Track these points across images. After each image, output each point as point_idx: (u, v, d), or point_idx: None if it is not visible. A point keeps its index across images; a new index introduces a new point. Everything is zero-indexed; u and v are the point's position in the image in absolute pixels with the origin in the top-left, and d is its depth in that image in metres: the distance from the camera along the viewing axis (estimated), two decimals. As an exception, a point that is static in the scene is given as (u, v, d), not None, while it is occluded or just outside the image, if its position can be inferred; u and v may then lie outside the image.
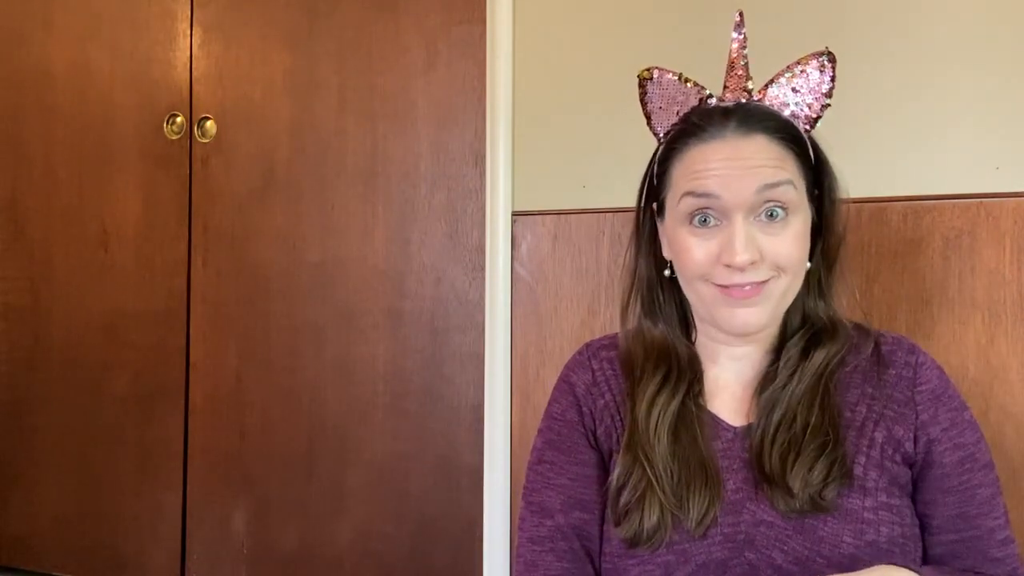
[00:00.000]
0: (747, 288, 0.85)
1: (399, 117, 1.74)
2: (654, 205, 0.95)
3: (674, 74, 0.93)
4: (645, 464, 0.87)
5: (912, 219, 1.28)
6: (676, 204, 0.89)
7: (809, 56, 0.91)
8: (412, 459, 1.72)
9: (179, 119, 1.91)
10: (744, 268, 0.84)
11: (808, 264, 0.90)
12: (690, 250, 0.87)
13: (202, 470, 1.89)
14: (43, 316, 2.03)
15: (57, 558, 2.01)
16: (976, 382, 1.24)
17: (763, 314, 0.86)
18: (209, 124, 1.88)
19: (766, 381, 0.90)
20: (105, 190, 1.98)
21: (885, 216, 1.29)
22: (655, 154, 0.94)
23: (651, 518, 0.84)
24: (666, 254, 0.94)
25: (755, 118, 0.88)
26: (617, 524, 0.88)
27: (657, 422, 0.89)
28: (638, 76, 0.94)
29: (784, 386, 0.88)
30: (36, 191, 2.04)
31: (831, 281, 0.93)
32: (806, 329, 0.91)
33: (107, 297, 1.97)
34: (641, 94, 0.95)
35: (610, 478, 0.91)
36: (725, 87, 0.92)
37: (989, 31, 1.26)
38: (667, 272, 0.94)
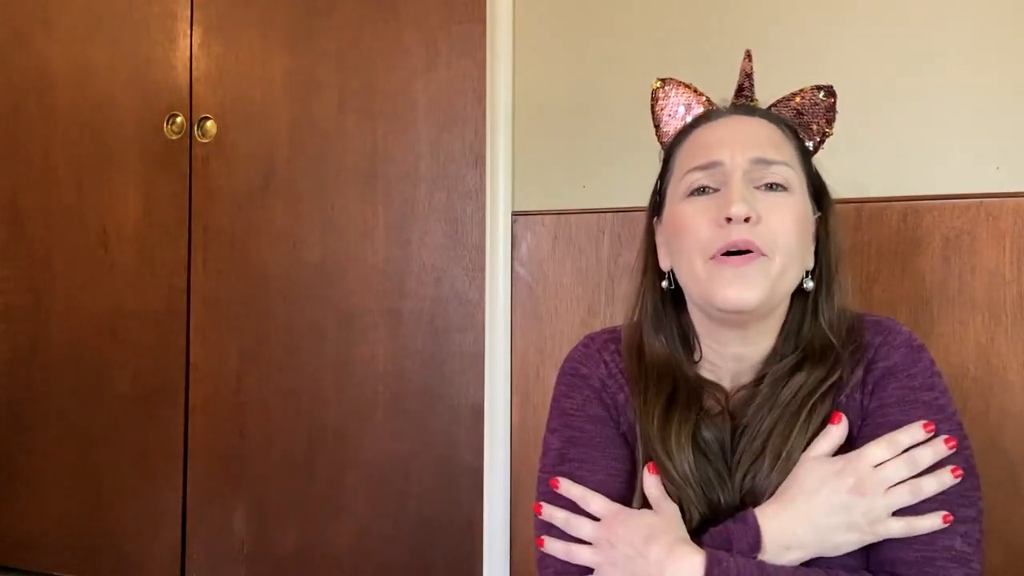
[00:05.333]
0: (743, 253, 0.82)
1: (399, 117, 1.74)
2: (655, 219, 0.95)
3: (686, 86, 0.96)
4: (666, 483, 0.85)
5: (912, 219, 1.28)
6: (679, 183, 0.89)
7: (812, 87, 0.93)
8: (412, 459, 1.72)
9: (179, 119, 1.91)
10: (740, 220, 0.81)
11: (810, 284, 0.88)
12: (688, 218, 0.86)
13: (202, 470, 1.89)
14: (43, 316, 2.03)
15: (57, 558, 2.01)
16: (976, 382, 1.24)
17: (756, 289, 0.82)
18: (209, 124, 1.88)
19: (746, 400, 0.88)
20: (105, 190, 1.97)
21: (885, 216, 1.29)
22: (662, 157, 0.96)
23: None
24: (663, 265, 0.93)
25: (759, 109, 0.92)
26: None
27: (673, 444, 0.86)
28: (651, 86, 0.97)
29: (756, 413, 0.86)
30: (36, 191, 2.04)
31: (831, 304, 0.89)
32: (796, 353, 0.88)
33: (107, 297, 1.97)
34: (652, 103, 0.97)
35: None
36: (732, 104, 0.95)
37: (989, 31, 1.26)
38: (664, 284, 0.92)
